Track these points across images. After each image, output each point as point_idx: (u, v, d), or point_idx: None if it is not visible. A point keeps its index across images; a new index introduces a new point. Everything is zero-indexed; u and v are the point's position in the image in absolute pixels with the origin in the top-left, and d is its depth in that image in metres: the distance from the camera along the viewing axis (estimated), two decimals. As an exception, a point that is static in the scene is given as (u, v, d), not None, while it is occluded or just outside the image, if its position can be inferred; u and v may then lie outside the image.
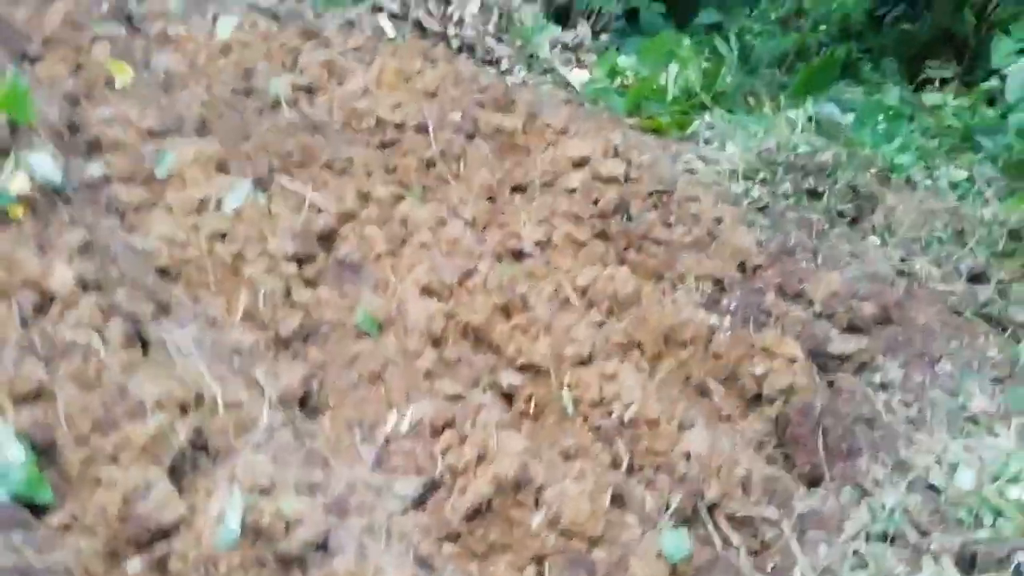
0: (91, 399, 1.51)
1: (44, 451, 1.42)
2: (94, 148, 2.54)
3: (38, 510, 1.34)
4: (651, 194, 3.22)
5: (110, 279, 1.87)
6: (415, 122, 3.25)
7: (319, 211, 2.47)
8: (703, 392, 2.26)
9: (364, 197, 2.68)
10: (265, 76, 3.23)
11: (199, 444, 1.51)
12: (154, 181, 2.43)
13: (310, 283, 2.15)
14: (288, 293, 2.07)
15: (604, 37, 6.23)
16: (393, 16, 5.36)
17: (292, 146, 2.82)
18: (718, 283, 2.70)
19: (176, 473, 1.43)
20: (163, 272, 2.11)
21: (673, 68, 4.87)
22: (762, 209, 3.42)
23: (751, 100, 5.24)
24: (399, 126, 3.22)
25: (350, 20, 4.99)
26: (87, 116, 2.65)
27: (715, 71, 5.02)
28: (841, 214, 3.43)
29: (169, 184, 2.41)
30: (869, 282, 2.88)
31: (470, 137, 3.40)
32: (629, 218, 3.02)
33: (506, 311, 2.24)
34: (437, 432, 1.78)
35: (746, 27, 8.92)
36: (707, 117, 4.54)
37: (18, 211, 1.95)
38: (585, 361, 2.08)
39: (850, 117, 4.41)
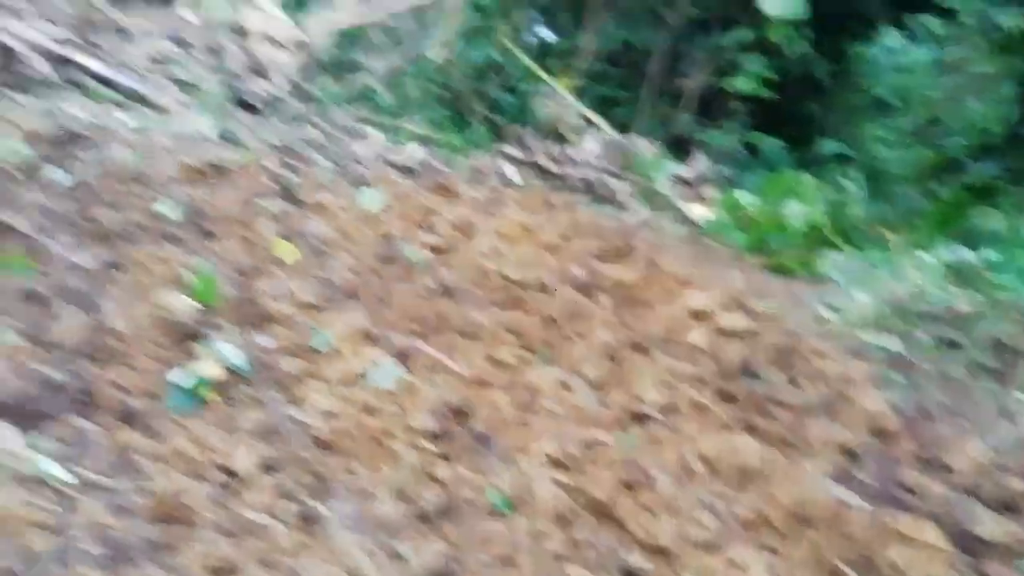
0: (268, 582, 1.69)
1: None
2: (264, 321, 2.89)
3: None
4: (776, 349, 3.22)
5: (282, 458, 2.11)
6: (537, 280, 3.46)
7: (453, 381, 2.66)
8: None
9: (493, 362, 2.86)
10: (402, 242, 3.55)
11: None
12: (313, 353, 2.72)
13: (447, 458, 2.30)
14: (428, 468, 2.23)
15: (724, 169, 6.37)
16: (516, 161, 5.75)
17: (428, 312, 3.07)
18: (850, 453, 2.64)
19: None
20: (321, 443, 2.34)
21: (795, 205, 4.91)
22: (896, 364, 3.33)
23: (882, 231, 5.16)
24: (523, 284, 3.43)
25: (477, 168, 5.39)
26: (257, 290, 3.03)
27: (840, 205, 5.01)
28: (985, 369, 3.27)
29: (326, 356, 2.69)
30: (1020, 450, 2.72)
31: (590, 292, 3.57)
32: (754, 377, 3.03)
33: (630, 486, 2.30)
34: (568, 622, 1.84)
35: (876, 138, 8.77)
36: (834, 256, 4.50)
37: (209, 394, 2.26)
38: (712, 546, 2.10)
39: (990, 254, 4.25)
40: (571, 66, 6.89)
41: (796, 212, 4.84)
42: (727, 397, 2.90)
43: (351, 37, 6.13)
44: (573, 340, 3.19)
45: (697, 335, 3.23)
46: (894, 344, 3.36)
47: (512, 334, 3.09)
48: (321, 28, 5.97)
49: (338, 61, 6.04)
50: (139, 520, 1.95)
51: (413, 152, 5.09)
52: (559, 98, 6.34)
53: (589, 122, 6.37)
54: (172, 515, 1.96)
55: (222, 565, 1.81)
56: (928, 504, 2.45)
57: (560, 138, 6.19)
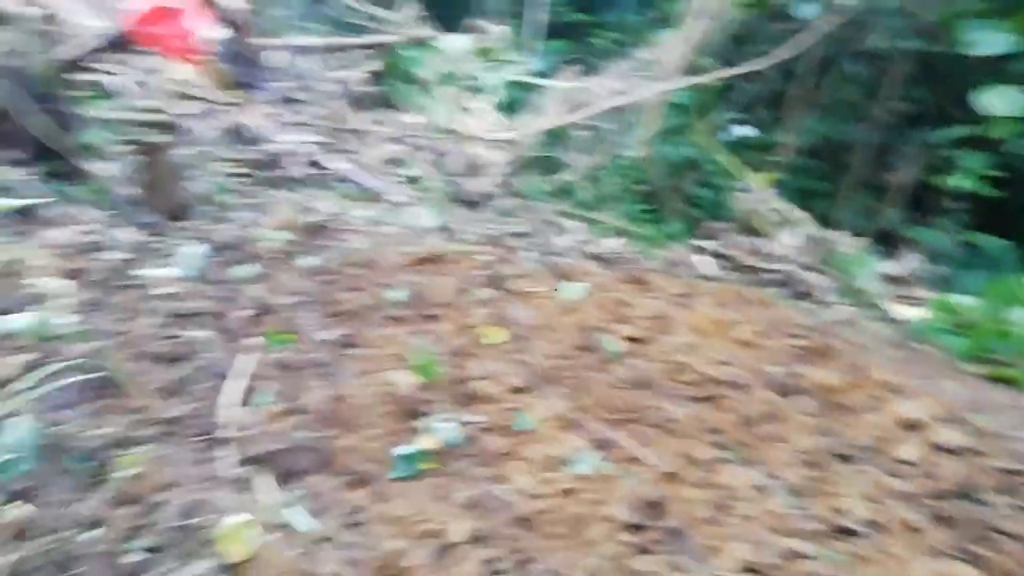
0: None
1: None
2: (473, 400, 3.15)
3: None
4: (1003, 472, 2.96)
5: (488, 531, 2.29)
6: (733, 378, 3.46)
7: (648, 474, 2.73)
8: None
9: (687, 458, 2.89)
10: (599, 332, 3.72)
11: None
12: (515, 433, 2.92)
13: (644, 550, 2.36)
14: (624, 559, 2.31)
15: (937, 268, 5.96)
16: (712, 254, 5.78)
17: (624, 403, 3.19)
18: (1094, 597, 2.36)
19: None
20: (523, 522, 2.49)
21: (1022, 311, 4.50)
22: None
23: None
24: (720, 382, 3.44)
25: (672, 261, 5.50)
26: (468, 371, 3.32)
27: (1076, 312, 4.52)
28: None
29: (528, 438, 2.88)
30: None
31: (789, 393, 3.50)
32: (975, 501, 2.81)
33: (835, 605, 2.22)
34: None
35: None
36: (1068, 368, 4.06)
37: (426, 465, 2.52)
38: None
39: None
40: (769, 160, 6.87)
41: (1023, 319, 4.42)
42: (943, 520, 2.70)
43: (555, 136, 6.58)
44: (771, 442, 3.14)
45: (908, 448, 3.06)
46: None
47: (707, 431, 3.11)
48: (529, 129, 6.48)
49: (543, 159, 6.49)
50: (367, 574, 2.20)
51: (611, 244, 5.32)
52: (756, 192, 6.33)
53: (787, 216, 6.28)
54: (394, 574, 2.20)
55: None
56: None
57: (757, 232, 6.14)
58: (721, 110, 6.66)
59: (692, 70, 6.42)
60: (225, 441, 2.58)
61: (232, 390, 2.83)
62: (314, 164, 5.45)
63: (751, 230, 6.11)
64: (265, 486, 2.47)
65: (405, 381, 3.04)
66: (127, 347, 2.85)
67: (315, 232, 4.45)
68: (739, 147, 6.96)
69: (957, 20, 6.10)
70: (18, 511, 1.99)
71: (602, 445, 2.89)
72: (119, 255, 3.48)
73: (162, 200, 3.98)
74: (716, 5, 6.40)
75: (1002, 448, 3.09)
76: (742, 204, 6.24)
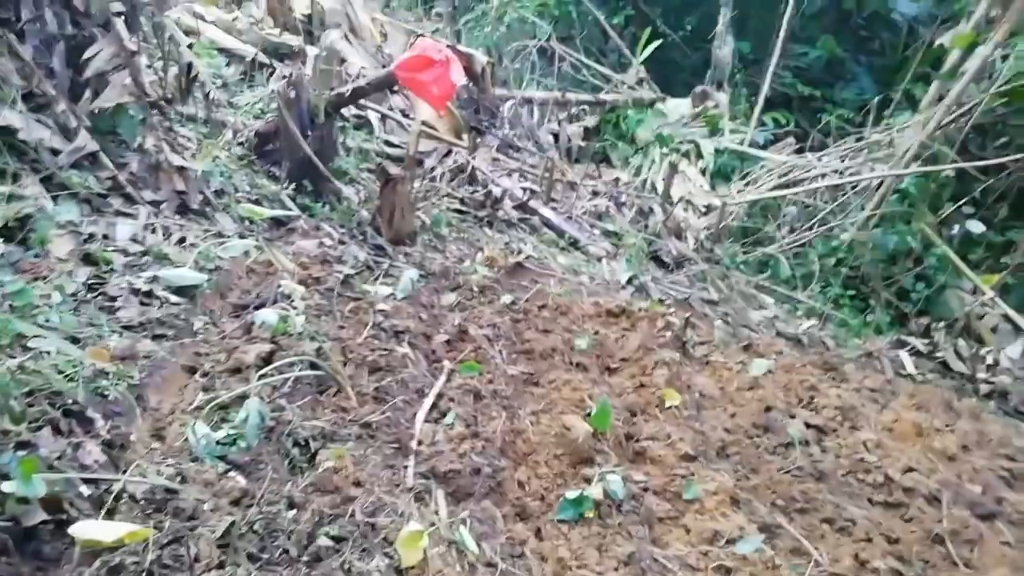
0: None
1: None
2: (639, 458, 3.22)
3: None
4: None
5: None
6: (926, 489, 3.23)
7: (815, 571, 2.64)
8: None
9: (860, 563, 2.75)
10: (783, 415, 3.63)
11: None
12: (680, 500, 2.94)
13: (796, 648, 2.30)
14: (775, 652, 2.26)
15: None
16: (917, 353, 5.39)
17: (797, 492, 3.09)
18: None
19: None
20: (674, 589, 2.52)
21: None
22: None
23: None
24: (908, 490, 3.23)
25: (870, 352, 5.20)
26: (640, 429, 3.39)
27: None
28: None
29: (691, 507, 2.89)
30: None
31: (990, 518, 3.20)
32: None
33: None
34: None
35: None
36: None
37: (591, 513, 2.63)
38: None
39: None
40: (1001, 262, 6.27)
41: None
42: None
43: (764, 208, 6.50)
44: (959, 567, 2.90)
45: None
46: None
47: (887, 540, 2.94)
48: (737, 197, 6.46)
49: (748, 229, 6.43)
50: (520, 604, 2.33)
51: (806, 326, 5.14)
52: (980, 294, 5.81)
53: (1014, 325, 5.69)
54: (544, 609, 2.31)
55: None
56: None
57: (975, 337, 5.63)
58: (951, 203, 6.21)
59: (927, 157, 6.07)
60: (414, 452, 2.85)
61: (425, 407, 3.12)
62: (524, 209, 5.82)
63: (968, 334, 5.62)
64: (442, 502, 2.69)
65: (580, 427, 3.16)
66: (344, 352, 3.25)
67: (516, 272, 4.76)
68: (967, 244, 6.43)
69: None
70: (235, 482, 2.34)
71: (768, 530, 2.83)
72: (349, 269, 3.96)
73: (392, 226, 4.48)
74: (966, 92, 6.02)
75: None
76: (962, 304, 5.76)
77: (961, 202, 6.07)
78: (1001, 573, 2.81)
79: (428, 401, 3.17)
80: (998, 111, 6.36)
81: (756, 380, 3.96)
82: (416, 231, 4.70)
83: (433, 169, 5.87)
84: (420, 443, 2.89)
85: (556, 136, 7.48)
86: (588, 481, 2.85)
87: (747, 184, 6.71)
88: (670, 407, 3.57)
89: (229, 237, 3.80)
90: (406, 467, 2.74)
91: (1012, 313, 5.76)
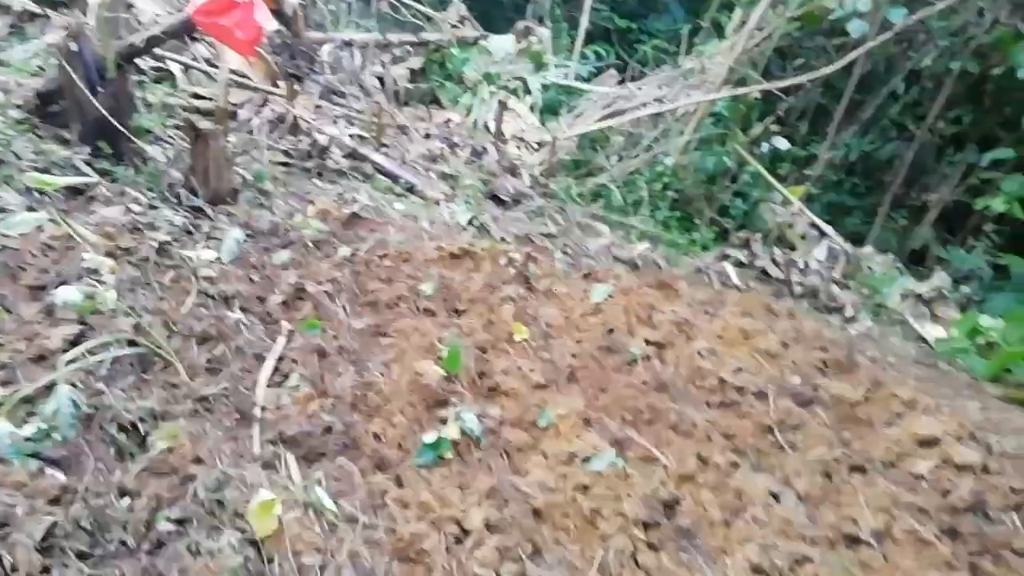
0: (485, 633, 1.94)
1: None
2: (493, 394, 3.25)
3: None
4: (1015, 491, 2.97)
5: (505, 521, 2.38)
6: (755, 386, 3.50)
7: (663, 474, 2.80)
8: None
9: (703, 461, 2.95)
10: (625, 335, 3.79)
11: None
12: (536, 428, 3.01)
13: (653, 547, 2.44)
14: (635, 554, 2.38)
15: (965, 289, 5.93)
16: (739, 264, 5.81)
17: (643, 405, 3.25)
18: (1101, 622, 2.38)
19: None
20: (537, 513, 2.58)
21: (1049, 335, 4.47)
22: None
23: None
24: (739, 389, 3.49)
25: (699, 268, 5.54)
26: (491, 365, 3.41)
27: (1108, 340, 4.48)
28: None
29: (546, 433, 2.96)
30: None
31: (809, 404, 3.53)
32: (986, 518, 2.83)
33: (839, 611, 2.27)
34: None
35: None
36: (1095, 396, 4.03)
37: (450, 454, 2.62)
38: None
39: None
40: (804, 174, 6.86)
41: (1051, 344, 4.39)
42: (952, 534, 2.73)
43: (593, 140, 6.66)
44: (786, 451, 3.19)
45: (923, 464, 3.09)
46: None
47: (724, 436, 3.17)
48: (567, 131, 6.56)
49: (579, 162, 6.57)
50: (386, 556, 2.29)
51: (640, 249, 5.37)
52: (789, 205, 6.34)
53: (819, 231, 6.28)
54: (412, 557, 2.29)
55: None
56: None
57: (788, 245, 6.16)
58: (760, 122, 6.67)
59: (735, 81, 6.44)
60: (258, 420, 2.71)
61: (266, 372, 2.96)
62: (354, 157, 5.59)
63: (781, 242, 6.13)
64: (293, 466, 2.58)
65: (432, 372, 3.13)
66: (167, 325, 2.99)
67: (353, 223, 4.58)
68: (775, 160, 6.97)
69: (1014, 42, 6.02)
70: (52, 479, 2.11)
71: (620, 444, 2.96)
72: (164, 236, 3.63)
73: (209, 185, 4.14)
74: (764, 18, 6.41)
75: (1015, 468, 3.10)
76: (774, 216, 6.25)
77: (767, 121, 6.54)
78: (820, 450, 3.12)
79: (268, 365, 3.01)
80: (794, 35, 6.85)
81: (598, 306, 4.09)
82: (237, 188, 4.39)
83: (249, 121, 5.48)
84: (264, 410, 2.75)
85: (381, 80, 7.21)
86: (444, 423, 2.84)
87: (575, 118, 6.84)
88: (519, 341, 3.61)
89: (14, 212, 3.35)
90: (251, 436, 2.60)
91: (817, 220, 6.35)
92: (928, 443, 3.23)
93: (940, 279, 5.78)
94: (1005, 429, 3.61)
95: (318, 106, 6.15)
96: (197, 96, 5.47)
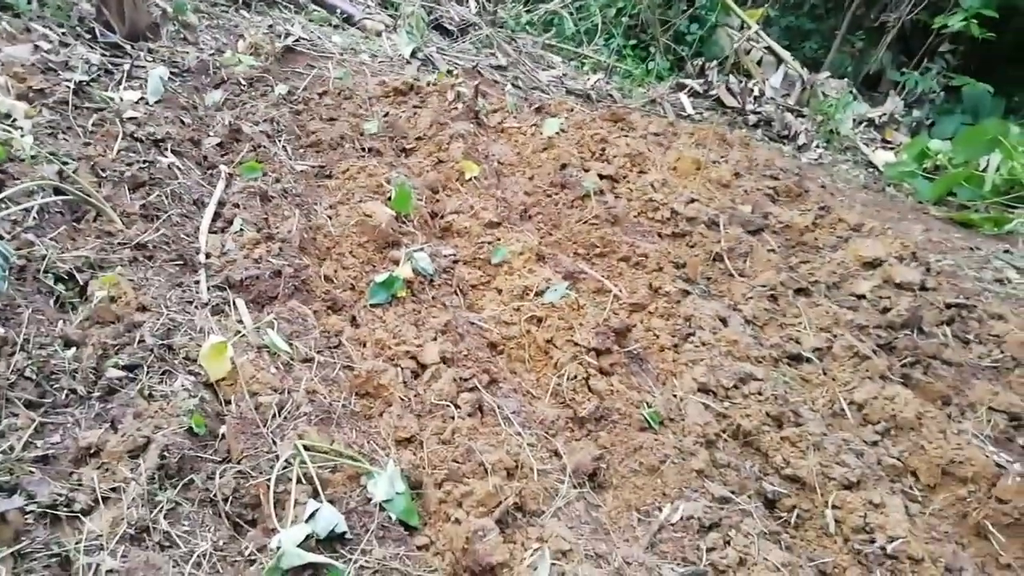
0: (447, 453, 2.02)
1: (414, 487, 1.94)
2: (447, 233, 3.21)
3: (409, 529, 1.85)
4: (949, 306, 3.13)
5: (460, 354, 2.41)
6: (706, 216, 3.52)
7: (616, 303, 2.85)
8: (980, 535, 2.22)
9: (654, 290, 3.01)
10: (577, 170, 3.72)
11: (518, 504, 1.94)
12: (489, 265, 3.00)
13: (605, 372, 2.52)
14: (587, 379, 2.46)
15: (917, 112, 5.92)
16: (695, 94, 5.67)
17: (595, 239, 3.26)
18: (1015, 419, 2.58)
19: (502, 524, 1.87)
20: (492, 346, 2.63)
21: (996, 157, 4.54)
22: (1085, 334, 3.12)
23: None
24: (691, 219, 3.51)
25: (653, 99, 5.40)
26: (443, 205, 3.34)
27: (1049, 160, 4.57)
28: None
29: (500, 269, 2.96)
30: None
31: (759, 232, 3.59)
32: (921, 332, 2.98)
33: (778, 421, 2.42)
34: (704, 529, 2.03)
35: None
36: (1031, 214, 4.18)
37: (403, 293, 2.60)
38: (852, 485, 2.19)
39: None
40: (762, -5, 6.57)
41: (994, 164, 4.47)
42: (888, 348, 2.89)
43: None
44: (735, 277, 3.27)
45: (865, 284, 3.20)
46: (1088, 315, 3.14)
47: (675, 266, 3.21)
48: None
49: (528, -14, 6.15)
50: (344, 392, 2.32)
51: (593, 80, 5.18)
52: (746, 30, 6.10)
53: (776, 56, 6.10)
54: (370, 391, 2.33)
55: (408, 436, 2.15)
56: (1096, 480, 2.37)
57: (744, 73, 5.99)
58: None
59: None
60: (203, 266, 2.63)
61: (207, 217, 2.84)
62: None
63: (737, 70, 5.96)
64: (243, 310, 2.54)
65: (381, 213, 3.05)
66: (95, 171, 2.81)
67: (288, 58, 4.29)
68: (733, -21, 6.61)
69: None
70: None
71: (573, 277, 2.98)
72: (81, 76, 3.34)
73: (124, 18, 3.77)
74: None
75: (951, 285, 3.24)
76: (731, 42, 6.04)
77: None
78: (767, 275, 3.20)
79: (209, 211, 2.89)
80: None
81: (550, 140, 3.99)
82: (157, 22, 4.02)
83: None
84: (208, 256, 2.66)
85: None
86: (396, 263, 2.81)
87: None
88: (470, 179, 3.53)
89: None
90: (197, 282, 2.53)
91: (774, 44, 6.15)
92: (871, 264, 3.34)
93: (893, 103, 5.75)
94: (945, 249, 3.75)
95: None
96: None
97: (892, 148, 5.36)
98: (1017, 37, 6.20)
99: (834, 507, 2.15)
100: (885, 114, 5.68)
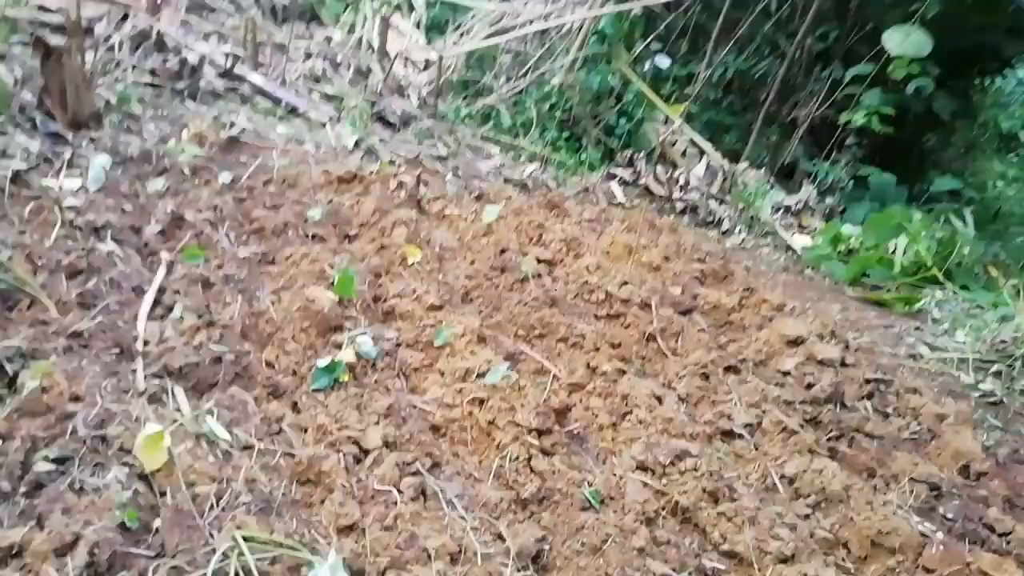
0: (390, 540, 2.01)
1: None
2: (389, 316, 3.25)
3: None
4: (868, 381, 3.31)
5: (403, 438, 2.43)
6: (639, 298, 3.67)
7: (556, 383, 2.93)
8: (909, 604, 2.30)
9: (592, 370, 3.10)
10: (516, 254, 3.85)
11: (461, 590, 1.93)
12: (432, 348, 3.05)
13: (546, 452, 2.56)
14: (529, 459, 2.50)
15: (829, 200, 6.36)
16: (625, 182, 5.97)
17: (535, 320, 3.35)
18: (935, 488, 2.72)
19: (444, 613, 1.86)
20: (435, 428, 2.65)
21: (902, 240, 4.89)
22: (993, 405, 3.34)
23: (992, 272, 5.06)
24: (625, 301, 3.65)
25: (586, 187, 5.66)
26: (386, 289, 3.40)
27: (949, 244, 4.95)
28: (1088, 418, 3.24)
29: (442, 352, 3.01)
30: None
31: (688, 312, 3.75)
32: (843, 406, 3.14)
33: (714, 496, 2.49)
34: (647, 608, 2.05)
35: (996, 174, 8.48)
36: (938, 294, 4.49)
37: (346, 377, 2.62)
38: (787, 559, 2.26)
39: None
40: (685, 92, 7.03)
41: (901, 247, 4.82)
42: (814, 423, 3.02)
43: (480, 59, 6.53)
44: (668, 356, 3.39)
45: (790, 361, 3.37)
46: (993, 387, 3.37)
47: (611, 346, 3.32)
48: (454, 49, 6.40)
49: (467, 82, 6.45)
50: (284, 480, 2.30)
51: (530, 170, 5.41)
52: (670, 124, 6.51)
53: (699, 148, 6.50)
54: (311, 478, 2.31)
55: (350, 523, 2.13)
56: (1013, 547, 2.50)
57: (670, 163, 6.35)
58: (642, 40, 6.74)
59: (617, -2, 6.44)
60: (140, 354, 2.60)
61: (146, 304, 2.83)
62: (230, 77, 5.26)
63: (664, 160, 6.32)
64: (182, 398, 2.51)
65: (324, 298, 3.09)
66: (31, 259, 2.79)
67: (232, 147, 4.36)
68: (658, 79, 7.09)
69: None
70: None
71: (513, 358, 3.05)
72: (20, 164, 3.34)
73: (67, 108, 3.80)
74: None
75: (869, 361, 3.44)
76: (657, 134, 6.42)
77: (649, 39, 6.62)
78: (698, 354, 3.34)
79: (149, 297, 2.88)
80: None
81: (490, 226, 4.13)
82: (99, 111, 4.06)
83: (109, 38, 5.02)
84: (146, 343, 2.64)
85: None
86: (339, 347, 2.83)
87: (462, 36, 6.67)
88: (413, 263, 3.61)
89: None
90: (134, 371, 2.50)
91: (696, 137, 6.57)
92: (794, 342, 3.52)
93: (807, 191, 6.17)
94: (861, 326, 3.98)
95: (186, 22, 5.70)
96: (44, 9, 4.94)
97: (808, 233, 5.72)
98: (911, 131, 6.80)
99: (771, 581, 2.21)
100: (800, 201, 6.08)
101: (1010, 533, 2.56)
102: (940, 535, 2.50)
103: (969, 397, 3.37)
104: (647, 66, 6.89)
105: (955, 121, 7.63)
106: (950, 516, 2.62)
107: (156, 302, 2.87)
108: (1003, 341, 3.60)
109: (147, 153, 3.92)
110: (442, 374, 2.91)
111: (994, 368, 3.52)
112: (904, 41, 6.07)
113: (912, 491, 2.71)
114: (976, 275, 4.91)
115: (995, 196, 7.91)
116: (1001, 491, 2.77)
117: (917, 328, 4.09)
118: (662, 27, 6.84)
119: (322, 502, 2.20)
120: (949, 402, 3.25)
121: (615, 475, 2.53)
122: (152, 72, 4.92)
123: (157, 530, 1.90)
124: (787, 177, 6.98)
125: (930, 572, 2.36)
